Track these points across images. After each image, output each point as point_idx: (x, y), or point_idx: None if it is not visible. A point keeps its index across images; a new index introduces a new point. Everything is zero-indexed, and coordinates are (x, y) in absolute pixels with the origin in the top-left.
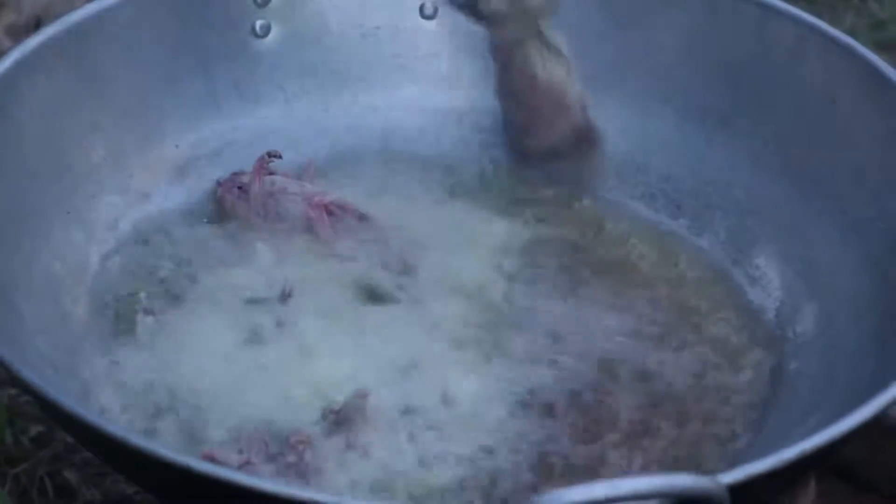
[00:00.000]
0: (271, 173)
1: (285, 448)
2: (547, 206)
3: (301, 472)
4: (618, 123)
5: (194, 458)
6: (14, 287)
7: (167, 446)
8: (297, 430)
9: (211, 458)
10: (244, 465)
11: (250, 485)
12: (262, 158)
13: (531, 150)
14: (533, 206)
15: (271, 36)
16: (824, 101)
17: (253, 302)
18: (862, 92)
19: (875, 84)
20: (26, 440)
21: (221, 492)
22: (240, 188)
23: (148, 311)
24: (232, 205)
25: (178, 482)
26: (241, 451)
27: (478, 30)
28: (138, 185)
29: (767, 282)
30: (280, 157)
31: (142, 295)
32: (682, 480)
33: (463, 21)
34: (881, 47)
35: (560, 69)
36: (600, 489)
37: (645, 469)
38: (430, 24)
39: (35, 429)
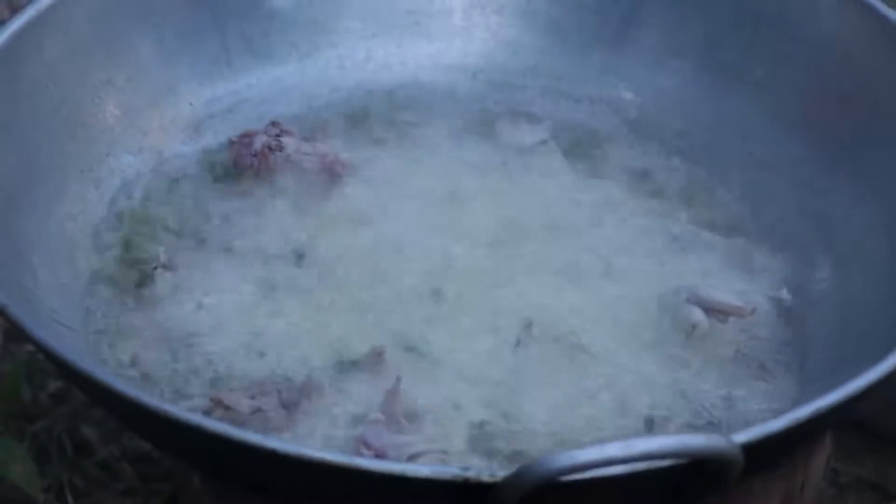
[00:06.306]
0: (284, 131)
1: (299, 395)
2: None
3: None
4: (632, 79)
5: (201, 416)
6: (29, 246)
7: (172, 404)
8: (312, 378)
9: (219, 402)
10: (256, 412)
11: (260, 443)
12: (267, 144)
13: None
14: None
15: None
16: (839, 54)
17: (269, 258)
18: (876, 46)
19: (888, 38)
20: (45, 396)
21: (229, 450)
22: (254, 156)
23: (166, 267)
24: (247, 165)
25: (187, 440)
26: (252, 398)
27: None
28: (153, 143)
29: (783, 236)
30: (281, 150)
31: (160, 250)
32: (696, 441)
33: None
34: None
35: None
36: (614, 449)
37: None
38: None
39: (53, 385)
